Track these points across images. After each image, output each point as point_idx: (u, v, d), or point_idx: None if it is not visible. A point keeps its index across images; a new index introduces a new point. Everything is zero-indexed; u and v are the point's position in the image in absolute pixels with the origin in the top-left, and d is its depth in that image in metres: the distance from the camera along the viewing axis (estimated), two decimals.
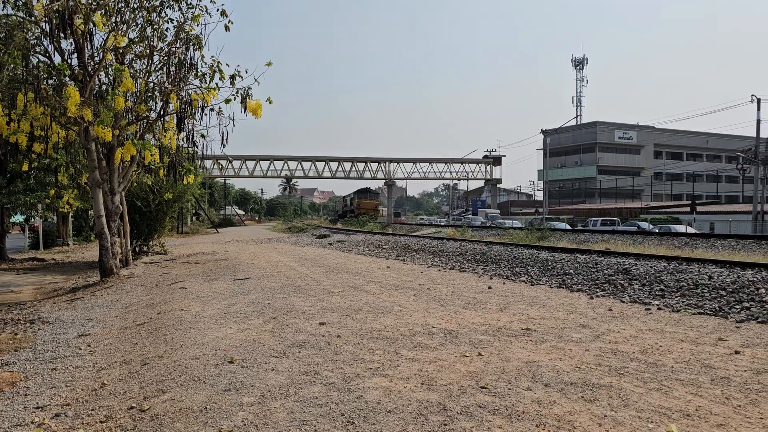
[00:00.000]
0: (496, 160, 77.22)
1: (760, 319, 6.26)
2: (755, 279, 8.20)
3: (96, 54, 11.94)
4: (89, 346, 6.03)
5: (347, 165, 75.99)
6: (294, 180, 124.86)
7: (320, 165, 75.40)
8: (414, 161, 77.28)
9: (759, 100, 39.21)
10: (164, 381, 4.29)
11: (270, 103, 12.23)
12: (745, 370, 4.30)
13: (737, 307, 6.91)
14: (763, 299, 7.08)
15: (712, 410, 3.47)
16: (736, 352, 4.85)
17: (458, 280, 10.34)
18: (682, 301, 7.49)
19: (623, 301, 7.76)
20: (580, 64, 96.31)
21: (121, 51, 12.23)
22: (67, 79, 11.60)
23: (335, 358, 4.76)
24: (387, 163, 76.93)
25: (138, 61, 13.09)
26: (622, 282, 9.08)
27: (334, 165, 75.74)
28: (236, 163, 71.39)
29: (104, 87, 12.85)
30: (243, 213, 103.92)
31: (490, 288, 9.16)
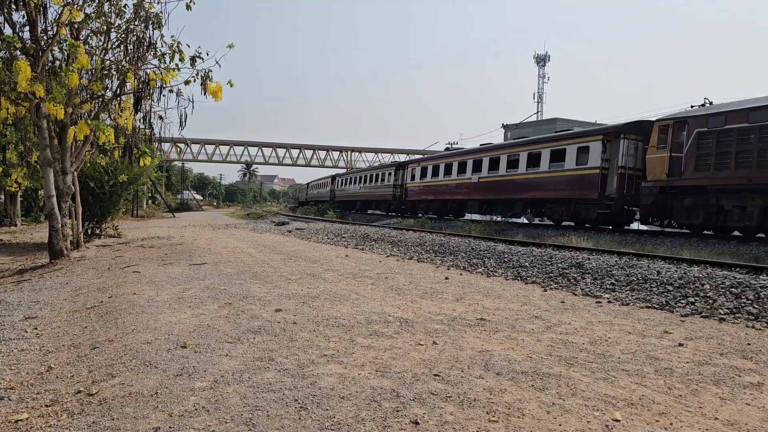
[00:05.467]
0: None
1: (703, 314, 6.50)
2: (700, 275, 8.50)
3: (49, 28, 11.50)
4: (36, 329, 5.86)
5: (308, 153, 75.48)
6: (254, 166, 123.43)
7: (281, 152, 74.67)
8: (375, 151, 77.23)
9: (711, 104, 40.49)
10: (114, 365, 4.21)
11: (231, 86, 12.03)
12: (687, 362, 4.47)
13: (683, 301, 7.16)
14: (707, 295, 7.35)
15: (655, 399, 3.59)
16: (680, 345, 5.03)
17: (416, 270, 10.42)
18: (632, 295, 7.72)
19: (575, 294, 7.94)
20: (542, 60, 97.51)
21: (76, 26, 11.80)
22: (18, 52, 11.16)
23: (290, 344, 4.75)
24: (348, 152, 76.70)
25: (94, 37, 12.66)
26: (575, 275, 9.29)
27: (295, 152, 75.12)
28: (195, 147, 70.06)
29: (58, 63, 12.39)
30: (201, 198, 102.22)
31: (447, 278, 9.25)
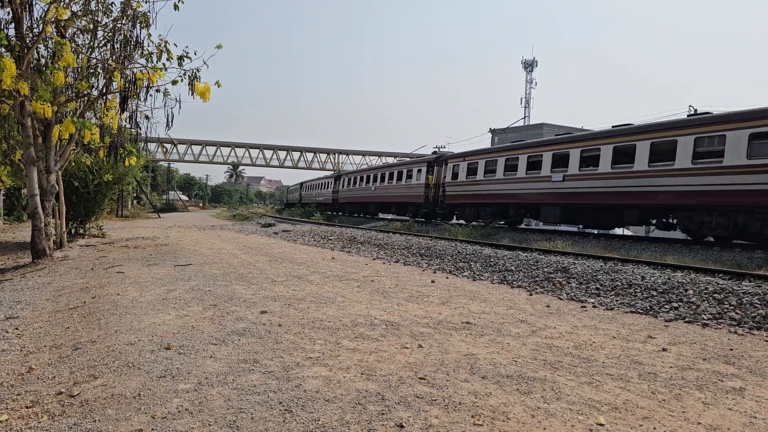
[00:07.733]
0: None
1: (687, 319, 6.56)
2: (684, 281, 8.57)
3: (35, 25, 11.38)
4: (17, 329, 5.78)
5: (296, 154, 75.30)
6: (241, 167, 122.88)
7: (268, 153, 74.45)
8: (363, 153, 77.24)
9: (696, 111, 40.94)
10: (96, 366, 4.16)
11: (219, 86, 11.97)
12: (671, 367, 4.50)
13: (667, 307, 7.21)
14: (691, 300, 7.42)
15: (639, 404, 3.61)
16: (664, 350, 5.06)
17: (402, 273, 10.41)
18: (616, 300, 7.77)
19: (561, 299, 7.98)
20: (529, 66, 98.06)
21: (62, 24, 11.69)
22: (3, 49, 11.03)
23: (275, 346, 4.72)
24: (336, 154, 76.64)
25: (81, 35, 12.55)
26: (560, 280, 9.34)
27: (282, 154, 74.92)
28: (181, 147, 69.65)
29: (43, 60, 12.26)
30: (187, 199, 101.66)
31: (433, 282, 9.26)
